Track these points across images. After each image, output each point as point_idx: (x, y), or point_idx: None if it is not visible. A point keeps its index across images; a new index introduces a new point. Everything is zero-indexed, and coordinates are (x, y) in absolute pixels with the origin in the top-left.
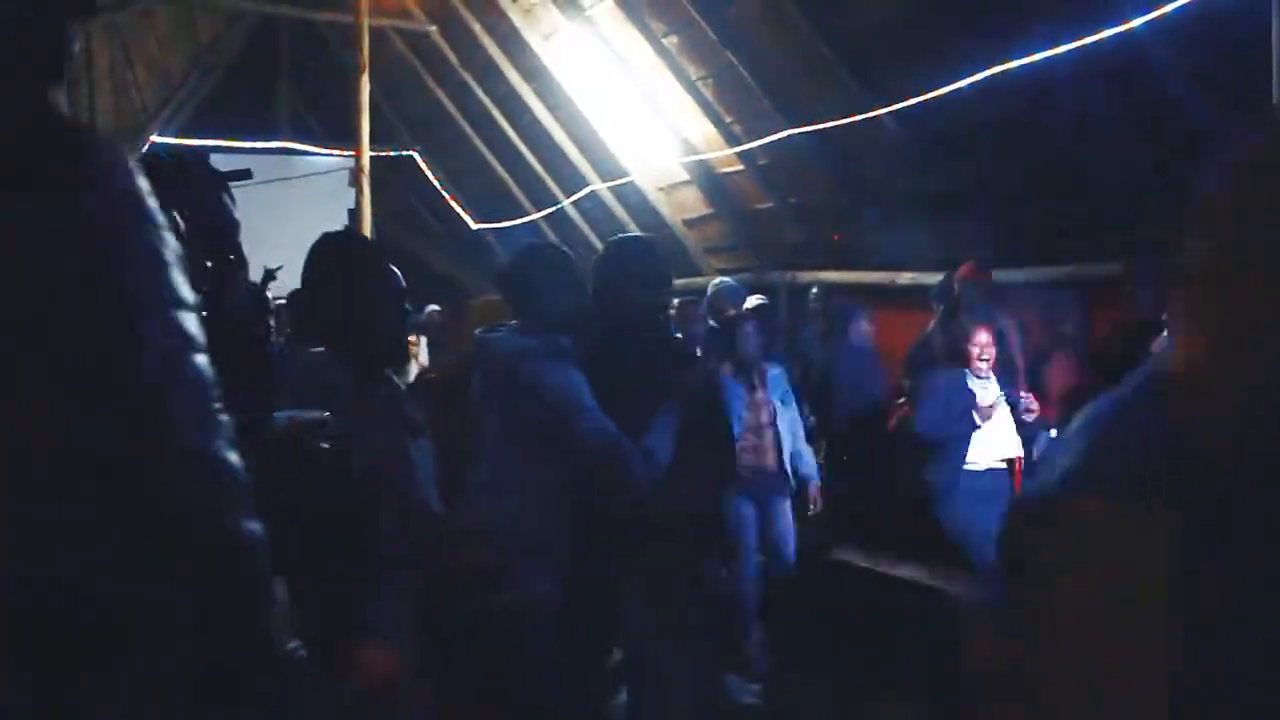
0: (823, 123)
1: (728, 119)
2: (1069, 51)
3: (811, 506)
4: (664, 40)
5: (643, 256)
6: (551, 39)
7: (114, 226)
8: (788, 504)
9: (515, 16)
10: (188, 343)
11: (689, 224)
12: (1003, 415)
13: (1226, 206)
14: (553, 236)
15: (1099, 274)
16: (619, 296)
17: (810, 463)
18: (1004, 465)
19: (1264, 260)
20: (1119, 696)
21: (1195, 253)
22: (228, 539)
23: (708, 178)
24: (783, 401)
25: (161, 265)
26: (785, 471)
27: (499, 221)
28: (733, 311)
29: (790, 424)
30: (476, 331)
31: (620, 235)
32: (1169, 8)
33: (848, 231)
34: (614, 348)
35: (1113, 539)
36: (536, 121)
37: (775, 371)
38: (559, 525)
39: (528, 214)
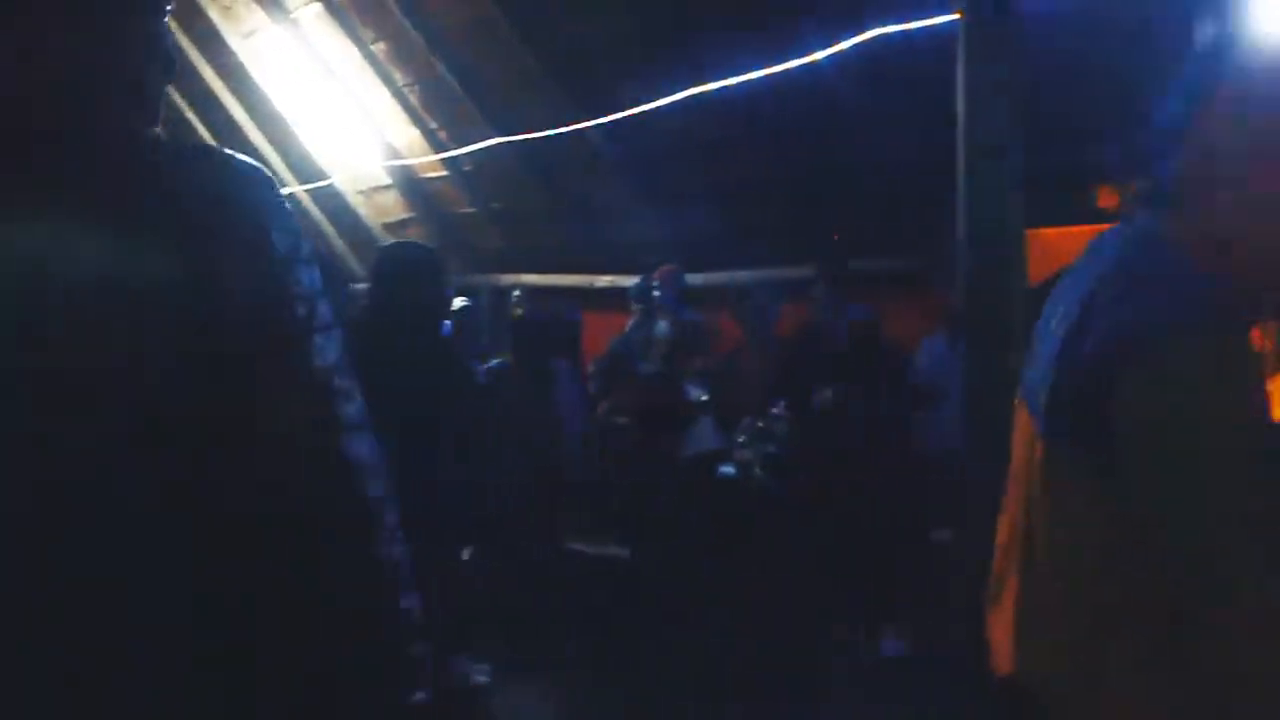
0: (529, 133)
1: (433, 125)
2: (763, 77)
3: None
4: (372, 46)
5: (416, 260)
6: (251, 38)
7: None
8: None
9: (214, 14)
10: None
11: (388, 227)
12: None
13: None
14: None
15: (790, 276)
16: (392, 299)
17: None
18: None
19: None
20: None
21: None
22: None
23: (410, 182)
24: None
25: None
26: None
27: None
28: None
29: None
30: None
31: (397, 241)
32: (847, 44)
33: (556, 238)
34: (385, 347)
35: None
36: (232, 121)
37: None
38: None
39: None
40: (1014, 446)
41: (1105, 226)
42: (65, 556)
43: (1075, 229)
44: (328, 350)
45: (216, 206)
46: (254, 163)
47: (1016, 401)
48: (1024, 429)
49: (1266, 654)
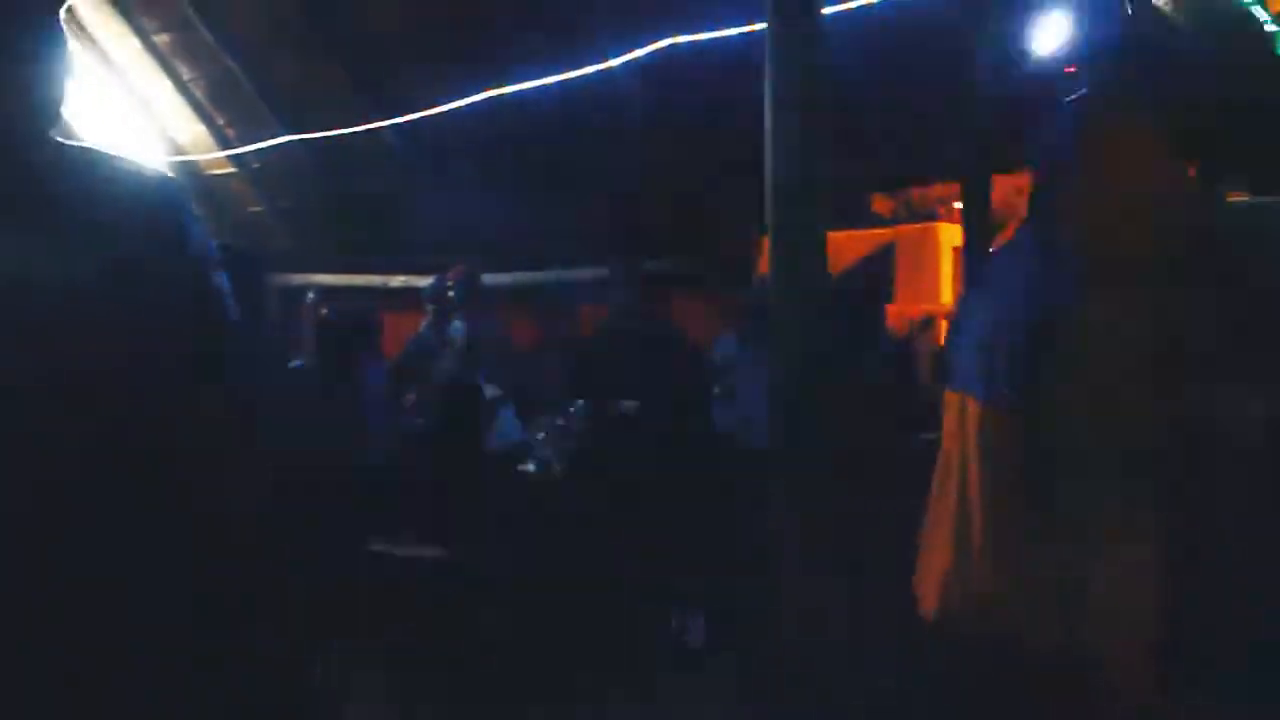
0: (322, 131)
1: (220, 122)
2: (560, 80)
3: None
4: (155, 38)
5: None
6: None
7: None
8: None
9: None
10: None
11: None
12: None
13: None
14: None
15: (586, 277)
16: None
17: None
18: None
19: None
20: None
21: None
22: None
23: (194, 179)
24: None
25: None
26: None
27: None
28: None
29: None
30: None
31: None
32: (641, 52)
33: (349, 238)
34: None
35: None
36: None
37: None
38: None
39: None
40: (944, 426)
41: (881, 231)
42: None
43: (853, 233)
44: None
45: (130, 209)
46: (158, 169)
47: (948, 394)
48: (952, 409)
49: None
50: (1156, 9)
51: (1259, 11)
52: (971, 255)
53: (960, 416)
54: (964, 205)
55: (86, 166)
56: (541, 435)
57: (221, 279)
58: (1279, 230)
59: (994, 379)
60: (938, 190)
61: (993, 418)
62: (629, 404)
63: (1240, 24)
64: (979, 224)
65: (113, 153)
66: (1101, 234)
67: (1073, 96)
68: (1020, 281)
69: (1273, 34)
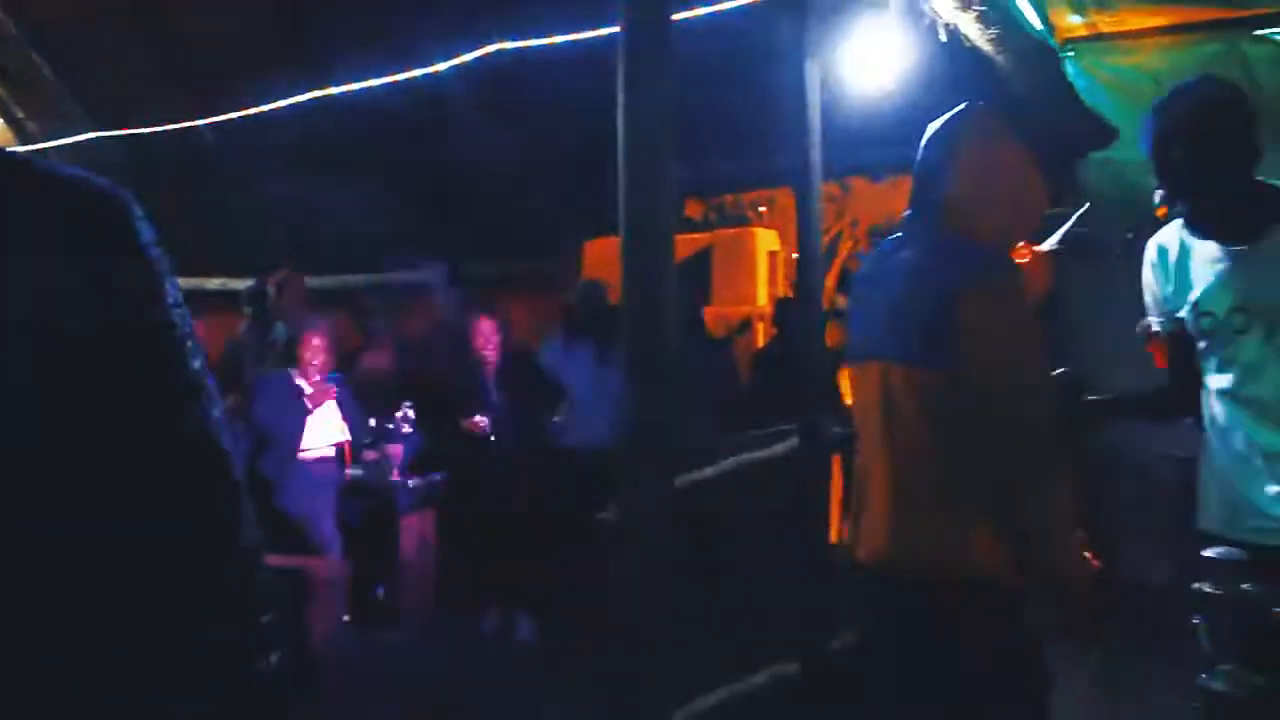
0: (136, 129)
1: (20, 115)
2: (382, 85)
3: None
4: None
5: None
6: None
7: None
8: None
9: None
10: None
11: None
12: (330, 406)
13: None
14: None
15: (413, 279)
16: None
17: None
18: (333, 451)
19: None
20: None
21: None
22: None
23: None
24: None
25: None
26: None
27: None
28: None
29: None
30: None
31: None
32: (468, 57)
33: (162, 239)
34: None
35: None
36: None
37: None
38: None
39: None
40: (858, 398)
41: (697, 235)
42: None
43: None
44: (197, 354)
45: (82, 219)
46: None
47: (855, 366)
48: (871, 379)
49: (1056, 499)
50: (977, 48)
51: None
52: (804, 259)
53: (883, 381)
54: (797, 210)
55: (25, 177)
56: (368, 440)
57: (175, 287)
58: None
59: (909, 346)
60: (749, 195)
61: (916, 376)
62: (458, 410)
63: (1040, 55)
64: (807, 229)
65: (42, 159)
66: (984, 226)
67: (948, 113)
68: (919, 267)
69: (1062, 59)
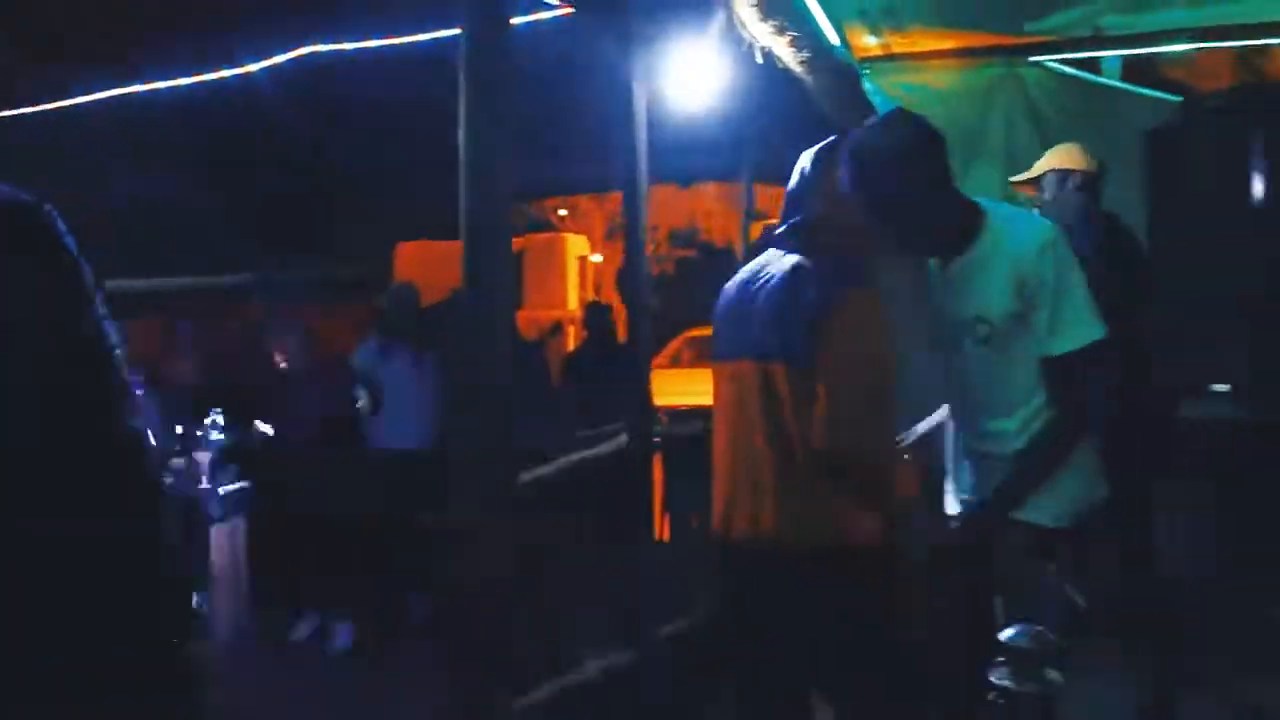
0: None
1: None
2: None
3: None
4: None
5: None
6: None
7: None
8: None
9: None
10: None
11: None
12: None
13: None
14: None
15: (225, 283)
16: None
17: None
18: None
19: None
20: None
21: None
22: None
23: None
24: None
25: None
26: None
27: None
28: None
29: None
30: None
31: None
32: (281, 58)
33: None
34: None
35: None
36: None
37: None
38: None
39: None
40: (726, 393)
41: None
42: None
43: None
44: (123, 360)
45: (9, 230)
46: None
47: (726, 364)
48: (747, 375)
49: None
50: (789, 70)
51: (846, 55)
52: (629, 262)
53: (762, 378)
54: (625, 219)
55: None
56: (177, 446)
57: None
58: None
59: (793, 346)
60: (551, 200)
61: (797, 372)
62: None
63: (843, 75)
64: (635, 238)
65: None
66: (847, 243)
67: (818, 145)
68: (799, 276)
69: (860, 75)
